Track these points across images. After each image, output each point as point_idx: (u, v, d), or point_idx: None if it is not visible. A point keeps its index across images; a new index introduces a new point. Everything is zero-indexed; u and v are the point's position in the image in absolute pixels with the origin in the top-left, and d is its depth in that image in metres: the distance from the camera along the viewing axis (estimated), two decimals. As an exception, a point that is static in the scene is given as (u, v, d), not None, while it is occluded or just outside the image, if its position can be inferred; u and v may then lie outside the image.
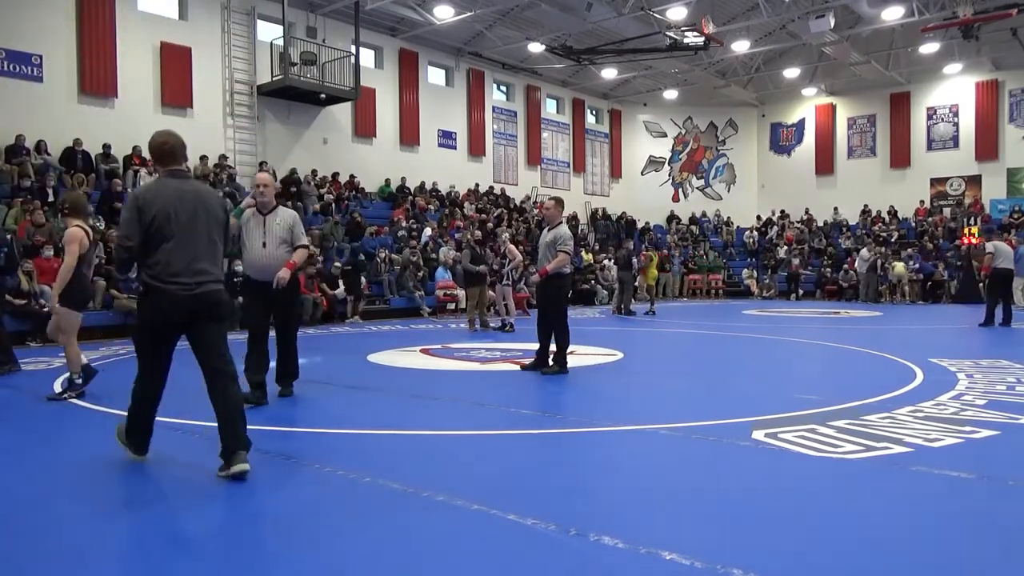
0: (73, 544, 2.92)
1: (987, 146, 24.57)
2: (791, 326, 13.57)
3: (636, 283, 18.32)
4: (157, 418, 4.18)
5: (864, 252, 21.47)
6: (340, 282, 14.91)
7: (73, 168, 14.42)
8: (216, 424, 3.82)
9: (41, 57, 14.54)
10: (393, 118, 21.30)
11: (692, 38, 19.88)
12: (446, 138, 23.02)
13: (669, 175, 30.03)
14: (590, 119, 28.48)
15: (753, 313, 17.10)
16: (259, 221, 5.77)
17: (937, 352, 8.78)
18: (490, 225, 20.78)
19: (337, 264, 15.42)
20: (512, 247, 13.08)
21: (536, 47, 22.10)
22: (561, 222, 7.64)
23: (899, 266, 21.06)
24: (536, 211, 24.46)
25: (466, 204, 22.31)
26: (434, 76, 22.89)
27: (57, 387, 6.19)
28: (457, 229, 20.03)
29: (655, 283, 18.14)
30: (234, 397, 3.86)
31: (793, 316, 16.19)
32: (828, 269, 23.47)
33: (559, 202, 7.76)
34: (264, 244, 5.72)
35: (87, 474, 3.98)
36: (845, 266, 22.69)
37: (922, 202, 25.52)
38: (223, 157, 17.10)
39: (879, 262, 21.21)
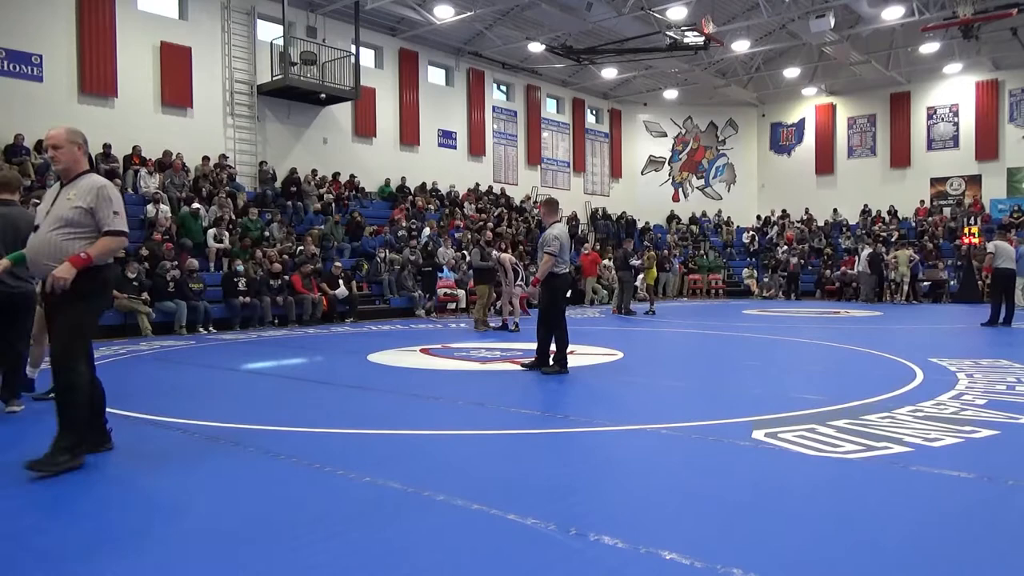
0: (66, 545, 2.92)
1: (987, 146, 24.58)
2: (791, 326, 13.56)
3: (636, 283, 18.33)
4: (160, 418, 4.20)
5: (867, 252, 21.40)
6: (340, 282, 14.92)
7: (73, 168, 14.39)
8: None
9: (41, 57, 14.54)
10: (393, 118, 21.30)
11: (692, 38, 19.88)
12: (446, 138, 23.02)
13: (669, 175, 30.03)
14: (590, 119, 28.48)
15: (753, 313, 17.10)
16: (52, 195, 4.14)
17: (937, 352, 8.79)
18: (491, 224, 20.79)
19: (412, 259, 15.93)
20: (505, 259, 12.88)
21: (536, 47, 22.10)
22: (556, 221, 7.63)
23: (903, 256, 20.82)
24: (536, 211, 24.48)
25: (466, 204, 22.32)
26: (434, 76, 22.89)
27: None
28: (457, 229, 20.03)
29: (655, 283, 18.12)
30: (16, 359, 5.45)
31: (793, 316, 16.18)
32: (828, 269, 23.48)
33: (547, 203, 7.82)
34: (37, 226, 4.04)
35: (82, 473, 3.98)
36: (843, 267, 22.68)
37: (922, 202, 25.53)
38: (223, 157, 17.10)
39: (871, 256, 20.82)
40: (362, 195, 19.87)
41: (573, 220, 25.54)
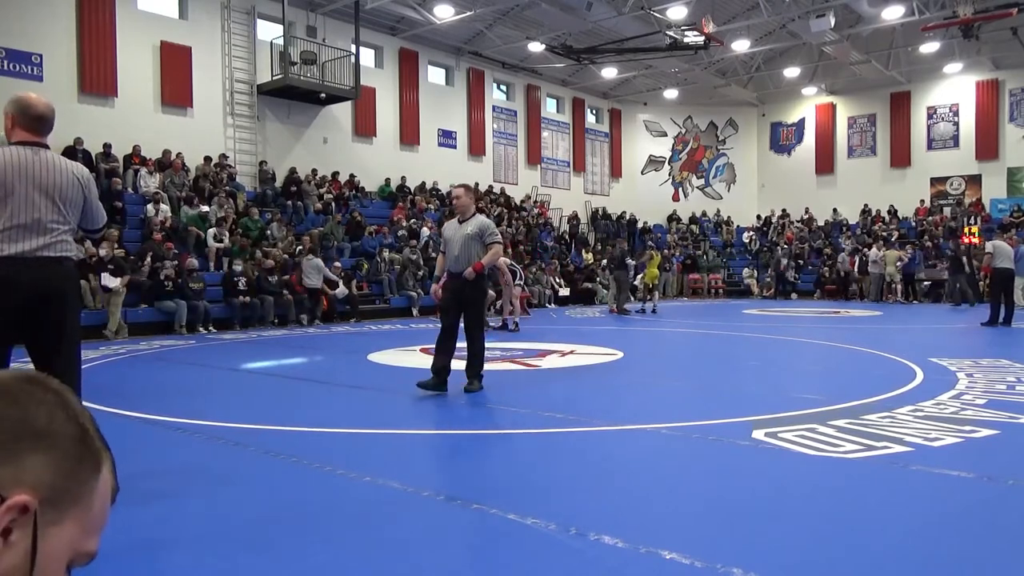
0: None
1: (987, 145, 24.56)
2: (791, 326, 13.57)
3: (636, 282, 18.33)
4: (160, 417, 4.19)
5: (874, 251, 21.39)
6: (339, 281, 14.91)
7: (73, 167, 14.41)
8: None
9: (41, 56, 14.53)
10: (393, 117, 21.29)
11: (692, 37, 19.88)
12: (446, 137, 23.02)
13: (669, 174, 30.02)
14: (590, 118, 28.47)
15: (753, 313, 17.10)
16: None
17: (937, 351, 8.78)
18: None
19: (413, 259, 15.72)
20: (501, 262, 12.89)
21: (536, 46, 22.09)
22: (475, 212, 6.45)
23: (890, 256, 20.83)
24: (536, 210, 24.48)
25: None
26: (434, 75, 22.88)
27: None
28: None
29: (654, 282, 18.08)
30: None
31: (793, 316, 16.19)
32: (827, 269, 23.49)
33: (469, 189, 6.50)
34: None
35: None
36: (839, 262, 22.83)
37: (922, 201, 25.51)
38: (223, 156, 17.09)
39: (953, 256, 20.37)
40: (362, 195, 19.87)
41: (574, 220, 25.57)
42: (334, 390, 6.86)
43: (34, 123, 3.40)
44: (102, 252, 11.83)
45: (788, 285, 23.43)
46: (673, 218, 29.09)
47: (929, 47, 22.82)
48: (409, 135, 21.65)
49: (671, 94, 27.85)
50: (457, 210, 6.48)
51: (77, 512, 0.65)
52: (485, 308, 6.52)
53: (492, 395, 6.32)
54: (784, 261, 23.74)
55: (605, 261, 20.29)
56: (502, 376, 7.58)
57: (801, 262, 24.45)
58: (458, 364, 6.31)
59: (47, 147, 3.47)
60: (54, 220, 3.38)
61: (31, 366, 3.59)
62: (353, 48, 18.69)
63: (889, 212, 25.79)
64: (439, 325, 6.42)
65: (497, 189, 24.09)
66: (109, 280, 11.48)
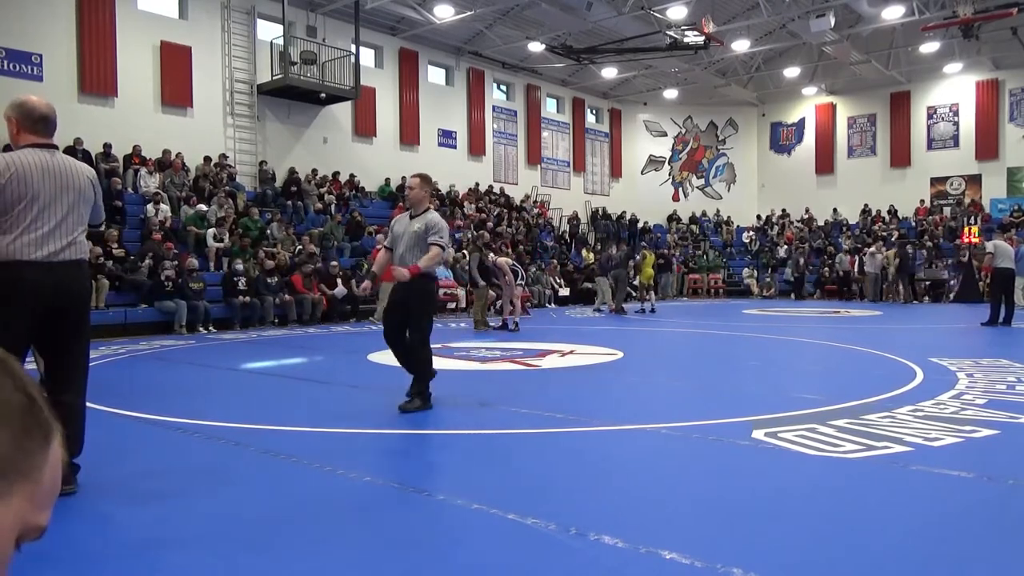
0: (62, 553, 2.92)
1: (987, 145, 24.56)
2: (791, 326, 13.56)
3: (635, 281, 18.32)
4: (160, 417, 4.20)
5: (872, 250, 21.38)
6: (338, 281, 14.91)
7: (73, 167, 14.41)
8: None
9: (41, 56, 14.53)
10: (393, 117, 21.29)
11: (692, 37, 19.89)
12: (446, 137, 23.02)
13: (669, 174, 30.02)
14: (590, 118, 28.47)
15: (753, 313, 17.10)
16: None
17: (937, 351, 8.77)
18: (490, 224, 20.78)
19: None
20: (501, 262, 12.97)
21: (536, 46, 22.09)
22: (429, 207, 5.74)
23: (891, 256, 20.84)
24: (536, 210, 24.47)
25: (466, 204, 22.32)
26: (434, 75, 22.88)
27: None
28: (457, 229, 20.03)
29: (649, 281, 17.98)
30: None
31: (793, 316, 16.19)
32: (827, 268, 23.49)
33: (426, 180, 5.74)
34: None
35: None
36: (837, 263, 22.82)
37: (922, 201, 25.51)
38: (223, 156, 17.09)
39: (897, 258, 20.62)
40: (362, 195, 19.87)
41: (574, 220, 25.57)
42: (334, 390, 6.87)
43: (39, 125, 3.45)
44: None
45: (789, 284, 23.43)
46: (673, 218, 29.09)
47: (929, 47, 22.82)
48: (409, 135, 21.65)
49: (671, 94, 27.85)
50: (409, 202, 5.75)
51: (26, 485, 0.62)
52: (432, 319, 5.86)
53: (492, 395, 6.33)
54: (802, 261, 23.68)
55: (600, 264, 20.27)
56: (502, 376, 7.58)
57: (802, 262, 24.46)
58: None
59: (57, 147, 3.53)
60: (75, 221, 3.48)
61: (31, 363, 3.60)
62: (353, 48, 18.69)
63: (889, 212, 25.79)
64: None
65: (497, 189, 24.10)
66: None
